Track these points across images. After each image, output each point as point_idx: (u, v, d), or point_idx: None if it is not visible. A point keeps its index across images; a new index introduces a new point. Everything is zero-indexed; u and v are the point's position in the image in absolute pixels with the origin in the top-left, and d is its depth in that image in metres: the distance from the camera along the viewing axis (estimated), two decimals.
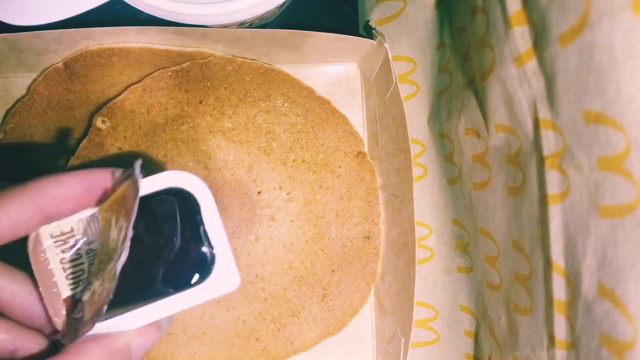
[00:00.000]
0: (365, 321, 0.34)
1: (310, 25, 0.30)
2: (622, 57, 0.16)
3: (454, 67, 0.28)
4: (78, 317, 0.19)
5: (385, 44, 0.30)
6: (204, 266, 0.21)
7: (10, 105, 0.31)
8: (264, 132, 0.32)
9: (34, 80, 0.31)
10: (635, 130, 0.17)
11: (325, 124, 0.33)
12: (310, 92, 0.33)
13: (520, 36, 0.21)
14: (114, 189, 0.21)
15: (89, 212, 0.21)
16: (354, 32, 0.35)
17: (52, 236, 0.20)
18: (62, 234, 0.20)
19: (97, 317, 0.18)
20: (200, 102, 0.31)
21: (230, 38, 0.30)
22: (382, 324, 0.33)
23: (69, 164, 0.30)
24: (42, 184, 0.19)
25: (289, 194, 0.32)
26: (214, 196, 0.30)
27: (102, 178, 0.20)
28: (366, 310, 0.34)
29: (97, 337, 0.19)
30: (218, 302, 0.32)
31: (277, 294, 0.32)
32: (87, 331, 0.18)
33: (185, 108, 0.31)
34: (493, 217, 0.26)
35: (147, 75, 0.31)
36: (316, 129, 0.33)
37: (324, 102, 0.33)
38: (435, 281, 0.32)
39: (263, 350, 0.32)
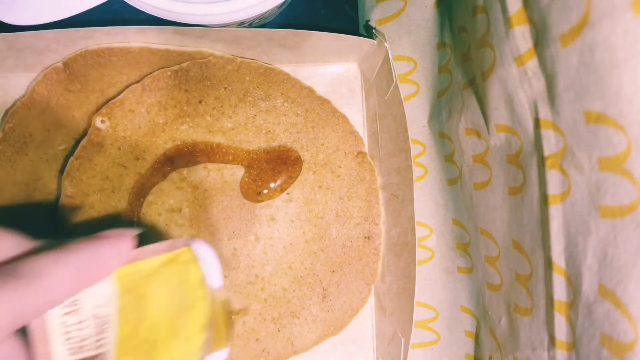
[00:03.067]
0: (366, 321, 0.34)
1: (310, 25, 0.30)
2: (623, 56, 0.16)
3: (455, 67, 0.28)
4: None
5: (386, 44, 0.30)
6: None
7: (10, 105, 0.31)
8: (263, 132, 0.32)
9: (33, 80, 0.31)
10: (636, 130, 0.17)
11: (325, 124, 0.33)
12: (310, 91, 0.33)
13: (521, 36, 0.21)
14: (138, 256, 0.20)
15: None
16: (354, 31, 0.35)
17: None
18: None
19: None
20: (200, 102, 0.31)
21: (230, 38, 0.30)
22: (382, 324, 0.33)
23: (69, 163, 0.30)
24: (83, 264, 0.18)
25: (288, 194, 0.32)
26: (214, 197, 0.31)
27: (127, 247, 0.19)
28: (366, 311, 0.34)
29: None
30: None
31: (277, 294, 0.32)
32: None
33: (185, 108, 0.31)
34: (493, 217, 0.26)
35: (147, 75, 0.31)
36: (316, 128, 0.33)
37: (323, 102, 0.33)
38: (435, 281, 0.32)
39: (263, 350, 0.32)
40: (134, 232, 0.20)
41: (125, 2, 0.26)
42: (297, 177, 0.32)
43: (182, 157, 0.31)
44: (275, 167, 0.32)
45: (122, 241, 0.19)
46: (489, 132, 0.25)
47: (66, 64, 0.31)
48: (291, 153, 0.32)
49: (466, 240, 0.30)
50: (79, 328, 0.19)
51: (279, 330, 0.32)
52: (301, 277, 0.33)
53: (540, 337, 0.23)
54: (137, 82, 0.31)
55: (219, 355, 0.22)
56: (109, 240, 0.19)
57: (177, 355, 0.20)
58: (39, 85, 0.31)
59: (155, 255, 0.20)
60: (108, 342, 0.19)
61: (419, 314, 0.32)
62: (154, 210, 0.31)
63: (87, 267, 0.18)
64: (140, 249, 0.20)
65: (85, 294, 0.19)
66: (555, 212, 0.21)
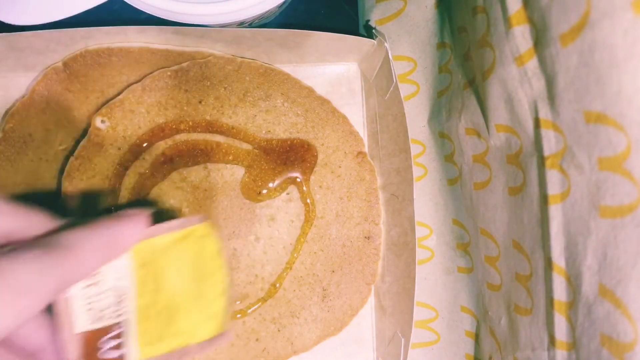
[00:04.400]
0: (366, 322, 0.34)
1: (310, 25, 0.30)
2: (623, 56, 0.16)
3: (455, 67, 0.28)
4: (112, 353, 0.20)
5: (386, 44, 0.30)
6: None
7: (10, 105, 0.31)
8: (263, 132, 0.32)
9: (33, 80, 0.31)
10: (636, 130, 0.17)
11: (325, 124, 0.33)
12: (310, 91, 0.33)
13: (521, 36, 0.21)
14: (153, 233, 0.22)
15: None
16: (354, 31, 0.35)
17: None
18: None
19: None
20: (200, 102, 0.31)
21: (230, 38, 0.30)
22: (382, 324, 0.33)
23: (69, 163, 0.30)
24: (109, 239, 0.20)
25: (288, 194, 0.32)
26: (214, 197, 0.31)
27: (143, 224, 0.21)
28: (366, 311, 0.34)
29: None
30: None
31: (276, 294, 0.32)
32: None
33: (185, 108, 0.31)
34: (493, 217, 0.26)
35: (147, 75, 0.31)
36: (316, 128, 0.33)
37: (324, 102, 0.33)
38: (435, 281, 0.32)
39: (263, 350, 0.32)
40: (148, 212, 0.22)
41: (125, 2, 0.26)
42: (311, 172, 0.32)
43: (182, 157, 0.31)
44: (275, 167, 0.32)
45: (139, 219, 0.21)
46: (489, 132, 0.25)
47: (66, 64, 0.31)
48: (309, 147, 0.32)
49: (466, 240, 0.30)
50: (99, 299, 0.21)
51: (279, 330, 0.32)
52: (301, 277, 0.33)
53: (540, 337, 0.23)
54: (137, 82, 0.31)
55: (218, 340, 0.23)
56: (129, 218, 0.21)
57: (198, 319, 0.22)
58: (39, 85, 0.31)
59: (169, 232, 0.22)
60: (127, 311, 0.21)
61: (419, 314, 0.32)
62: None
63: (113, 241, 0.20)
64: (155, 226, 0.22)
65: (105, 267, 0.21)
66: (555, 212, 0.21)
